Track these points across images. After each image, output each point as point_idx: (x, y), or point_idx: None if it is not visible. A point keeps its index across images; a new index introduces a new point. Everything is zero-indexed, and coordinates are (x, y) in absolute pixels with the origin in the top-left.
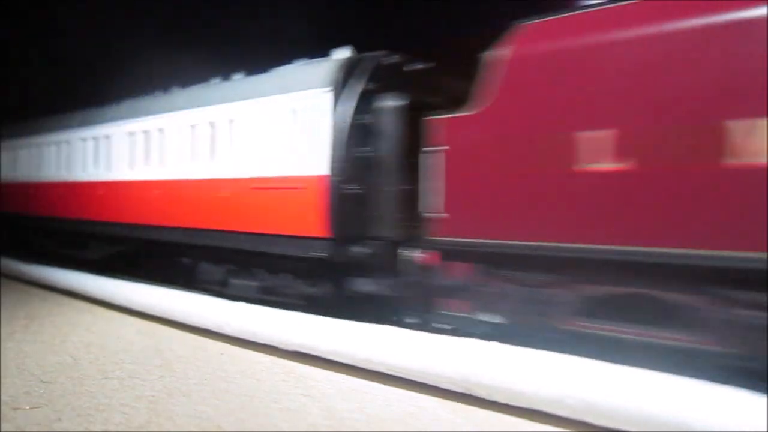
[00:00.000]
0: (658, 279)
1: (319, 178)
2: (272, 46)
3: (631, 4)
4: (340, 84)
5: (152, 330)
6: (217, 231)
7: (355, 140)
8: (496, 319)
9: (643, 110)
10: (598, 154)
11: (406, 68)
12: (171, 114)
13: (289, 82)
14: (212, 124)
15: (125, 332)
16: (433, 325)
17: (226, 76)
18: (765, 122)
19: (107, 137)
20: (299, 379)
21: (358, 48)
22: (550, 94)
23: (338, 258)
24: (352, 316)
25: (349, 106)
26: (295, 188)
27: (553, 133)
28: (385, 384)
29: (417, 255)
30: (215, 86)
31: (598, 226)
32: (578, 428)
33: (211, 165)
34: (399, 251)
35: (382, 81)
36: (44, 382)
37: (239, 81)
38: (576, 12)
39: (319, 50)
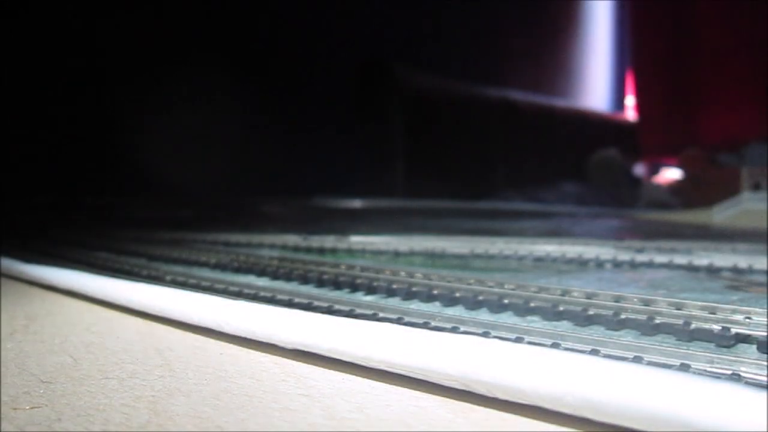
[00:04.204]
0: None
1: None
2: None
3: None
4: None
5: (152, 330)
6: None
7: None
8: None
9: None
10: None
11: None
12: None
13: None
14: None
15: (125, 332)
16: None
17: None
18: None
19: None
20: (299, 379)
21: None
22: None
23: None
24: None
25: None
26: None
27: None
28: (385, 383)
29: None
30: None
31: None
32: (580, 426)
33: None
34: None
35: None
36: (44, 382)
37: None
38: None
39: None
